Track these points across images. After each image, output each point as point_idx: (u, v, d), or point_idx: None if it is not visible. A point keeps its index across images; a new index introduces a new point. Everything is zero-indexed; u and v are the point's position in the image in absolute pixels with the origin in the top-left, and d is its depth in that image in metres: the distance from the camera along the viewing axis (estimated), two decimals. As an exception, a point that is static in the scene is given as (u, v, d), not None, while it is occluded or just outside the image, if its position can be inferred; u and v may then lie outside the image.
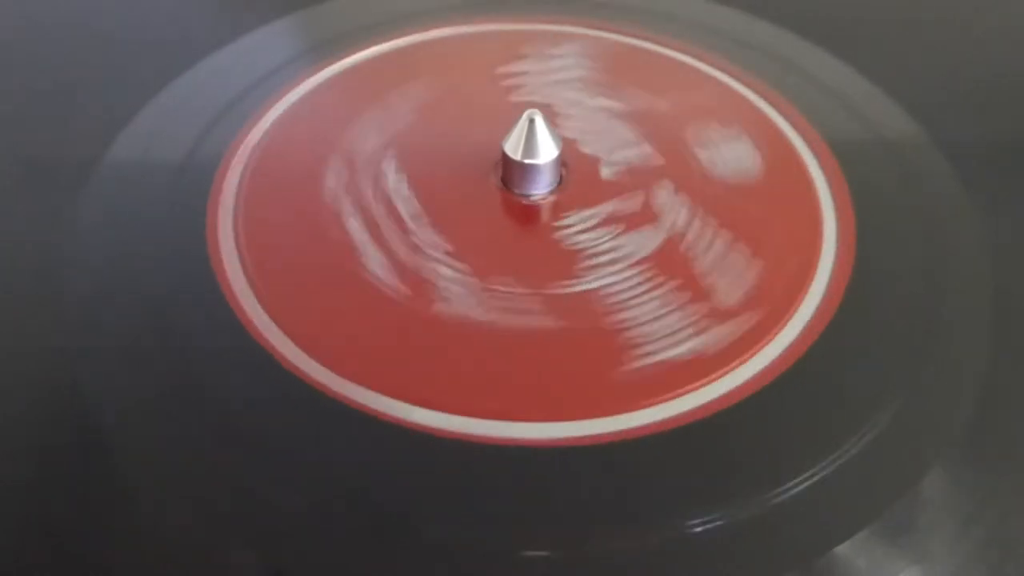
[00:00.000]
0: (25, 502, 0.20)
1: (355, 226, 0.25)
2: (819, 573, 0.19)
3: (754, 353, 0.22)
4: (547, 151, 0.25)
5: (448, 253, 0.24)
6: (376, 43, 0.30)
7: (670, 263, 0.24)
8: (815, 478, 0.20)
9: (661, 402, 0.21)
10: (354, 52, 0.30)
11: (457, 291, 0.23)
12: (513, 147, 0.25)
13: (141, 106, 0.28)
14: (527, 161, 0.25)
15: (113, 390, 0.21)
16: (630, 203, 0.25)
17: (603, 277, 0.24)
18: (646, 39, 0.31)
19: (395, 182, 0.26)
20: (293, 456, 0.20)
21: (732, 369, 0.22)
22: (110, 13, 0.33)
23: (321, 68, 0.29)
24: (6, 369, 0.22)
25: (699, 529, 0.19)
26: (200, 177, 0.26)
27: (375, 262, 0.24)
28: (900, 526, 0.19)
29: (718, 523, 0.19)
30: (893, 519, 0.19)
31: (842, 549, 0.19)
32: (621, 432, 0.21)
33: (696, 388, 0.21)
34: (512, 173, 0.25)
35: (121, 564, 0.19)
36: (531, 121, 0.25)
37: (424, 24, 0.31)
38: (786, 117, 0.28)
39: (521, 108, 0.25)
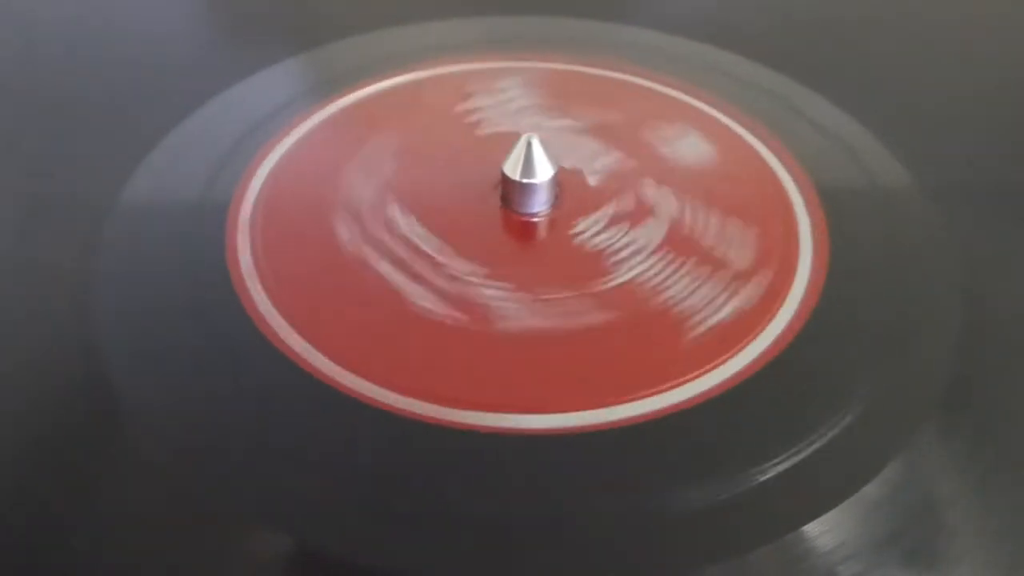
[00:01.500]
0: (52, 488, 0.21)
1: (370, 245, 0.27)
2: (791, 547, 0.20)
3: (738, 350, 0.24)
4: (544, 170, 0.27)
5: (486, 276, 0.26)
6: (374, 82, 0.33)
7: (682, 245, 0.26)
8: (792, 460, 0.21)
9: (651, 395, 0.23)
10: (354, 90, 0.32)
11: (511, 307, 0.25)
12: (512, 168, 0.27)
13: (155, 144, 0.30)
14: (526, 181, 0.27)
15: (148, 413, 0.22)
16: (625, 203, 0.28)
17: (634, 267, 0.26)
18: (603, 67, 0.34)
19: (402, 211, 0.28)
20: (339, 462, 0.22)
21: (719, 364, 0.23)
22: (120, 54, 0.35)
23: (325, 105, 0.32)
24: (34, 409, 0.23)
25: (684, 506, 0.21)
26: (216, 210, 0.28)
27: (405, 285, 0.25)
28: (870, 506, 0.21)
29: (701, 500, 0.21)
30: (863, 500, 0.21)
31: (812, 526, 0.20)
32: (613, 422, 0.22)
33: (676, 385, 0.23)
34: (512, 193, 0.27)
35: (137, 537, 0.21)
36: (528, 144, 0.27)
37: (422, 63, 0.34)
38: (774, 152, 0.30)
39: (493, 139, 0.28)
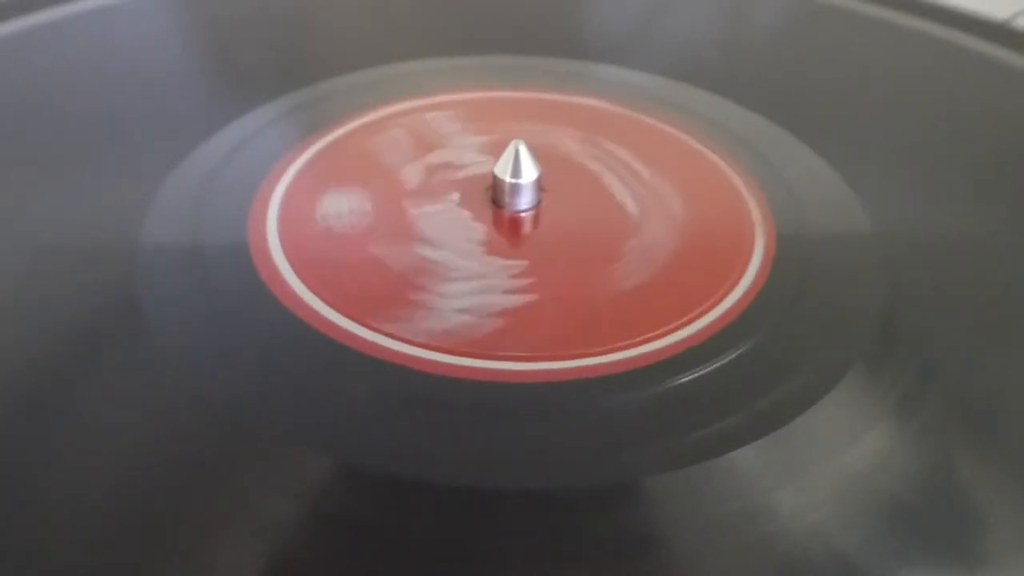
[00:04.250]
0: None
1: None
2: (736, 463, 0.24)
3: (696, 317, 0.28)
4: (528, 173, 0.31)
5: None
6: (368, 112, 0.37)
7: None
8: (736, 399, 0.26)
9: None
10: (350, 121, 0.37)
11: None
12: (502, 170, 0.31)
13: (159, 184, 0.32)
14: (513, 181, 0.31)
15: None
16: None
17: None
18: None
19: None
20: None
21: (683, 324, 0.28)
22: (109, 103, 0.37)
23: (318, 138, 0.36)
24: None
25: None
26: (238, 236, 0.30)
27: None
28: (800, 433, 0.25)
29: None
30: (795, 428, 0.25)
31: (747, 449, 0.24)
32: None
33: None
34: (501, 192, 0.32)
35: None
36: (516, 150, 0.31)
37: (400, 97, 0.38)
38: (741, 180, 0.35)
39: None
